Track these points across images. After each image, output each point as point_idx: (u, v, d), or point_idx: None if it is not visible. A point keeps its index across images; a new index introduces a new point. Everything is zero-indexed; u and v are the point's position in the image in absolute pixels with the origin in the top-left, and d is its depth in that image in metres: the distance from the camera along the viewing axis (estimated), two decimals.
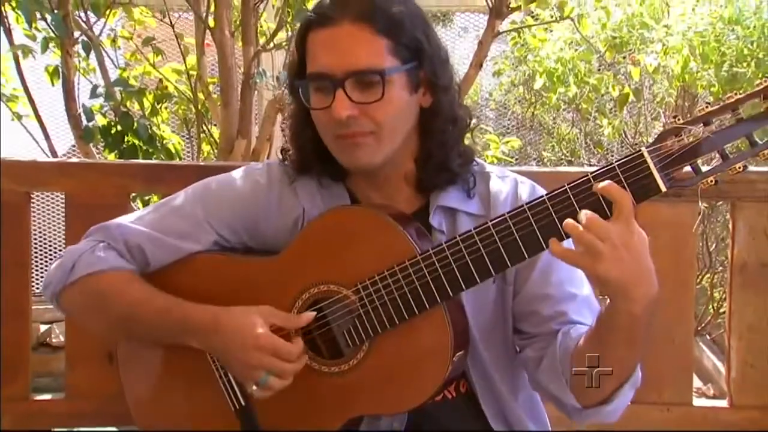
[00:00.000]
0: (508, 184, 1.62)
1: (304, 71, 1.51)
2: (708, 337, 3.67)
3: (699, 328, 3.51)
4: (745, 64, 3.27)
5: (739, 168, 1.33)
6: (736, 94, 1.32)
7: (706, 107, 1.33)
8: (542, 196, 1.40)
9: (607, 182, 1.31)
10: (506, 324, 1.61)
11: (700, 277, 3.41)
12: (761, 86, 1.30)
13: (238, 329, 1.48)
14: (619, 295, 1.33)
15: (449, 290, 1.44)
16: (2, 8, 2.74)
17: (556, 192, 1.39)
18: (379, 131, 1.48)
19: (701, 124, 1.32)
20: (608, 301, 1.36)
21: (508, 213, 1.41)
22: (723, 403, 2.12)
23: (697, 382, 3.36)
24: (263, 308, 1.50)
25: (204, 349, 1.53)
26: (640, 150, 1.35)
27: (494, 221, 1.41)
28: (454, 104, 1.57)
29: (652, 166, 1.34)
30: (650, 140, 1.38)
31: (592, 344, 1.43)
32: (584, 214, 1.30)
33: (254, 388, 1.48)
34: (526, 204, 1.39)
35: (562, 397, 1.50)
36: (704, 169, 1.34)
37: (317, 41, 1.48)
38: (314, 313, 1.50)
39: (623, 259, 1.29)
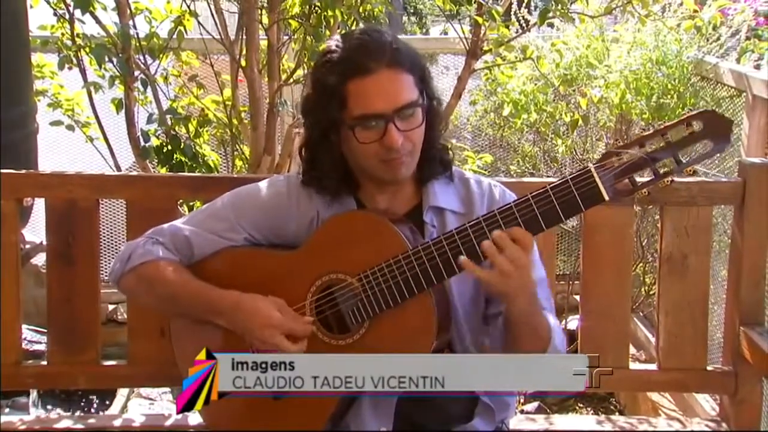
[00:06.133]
0: (484, 188, 1.63)
1: (342, 113, 1.48)
2: (641, 313, 3.66)
3: (634, 307, 3.50)
4: (669, 97, 3.28)
5: (667, 182, 1.33)
6: (665, 122, 1.32)
7: (641, 133, 1.33)
8: (509, 203, 1.40)
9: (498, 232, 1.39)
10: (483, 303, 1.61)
11: (634, 266, 3.41)
12: (685, 117, 1.31)
13: (256, 312, 1.48)
14: (504, 300, 1.46)
15: (434, 279, 1.44)
16: (79, 54, 2.75)
17: (520, 199, 1.39)
18: (415, 150, 1.50)
19: (637, 147, 1.33)
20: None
21: (482, 216, 1.41)
22: (653, 367, 2.12)
23: (632, 350, 3.35)
24: (276, 299, 1.51)
25: (228, 327, 1.53)
26: (588, 166, 1.35)
27: (471, 223, 1.42)
28: (441, 115, 1.60)
29: (597, 179, 1.34)
30: (595, 157, 1.38)
31: (508, 334, 1.51)
32: (498, 235, 1.38)
33: None
34: (497, 210, 1.40)
35: None
36: (639, 182, 1.34)
37: (362, 89, 1.46)
38: (312, 318, 1.51)
39: (518, 278, 1.39)
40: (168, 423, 2.10)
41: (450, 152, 1.63)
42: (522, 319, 1.46)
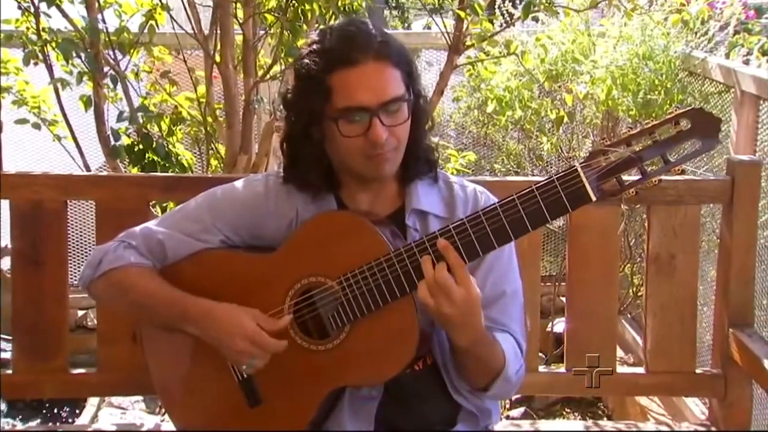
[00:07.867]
0: (468, 193, 1.62)
1: (325, 105, 1.47)
2: (629, 315, 3.69)
3: (621, 308, 3.52)
4: (656, 92, 3.29)
5: (655, 182, 1.33)
6: (653, 120, 1.32)
7: (629, 131, 1.33)
8: (493, 204, 1.40)
9: (445, 244, 1.40)
10: None
11: (622, 266, 3.43)
12: (673, 115, 1.31)
13: (228, 321, 1.47)
14: (448, 330, 1.46)
15: (417, 282, 1.43)
16: (45, 49, 2.71)
17: (505, 200, 1.39)
18: (400, 146, 1.50)
19: (625, 145, 1.33)
20: None
21: (466, 217, 1.41)
22: (641, 370, 2.13)
23: (619, 352, 3.38)
24: (251, 309, 1.49)
25: (199, 336, 1.52)
26: (574, 166, 1.36)
27: (455, 224, 1.42)
28: (428, 113, 1.60)
29: (584, 179, 1.35)
30: (581, 155, 1.38)
31: (455, 357, 1.53)
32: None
33: (243, 367, 1.49)
34: (481, 210, 1.41)
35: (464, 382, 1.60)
36: (627, 182, 1.35)
37: (347, 80, 1.45)
38: (291, 316, 1.50)
39: (459, 312, 1.40)
40: None
41: (436, 153, 1.63)
42: (466, 349, 1.47)
